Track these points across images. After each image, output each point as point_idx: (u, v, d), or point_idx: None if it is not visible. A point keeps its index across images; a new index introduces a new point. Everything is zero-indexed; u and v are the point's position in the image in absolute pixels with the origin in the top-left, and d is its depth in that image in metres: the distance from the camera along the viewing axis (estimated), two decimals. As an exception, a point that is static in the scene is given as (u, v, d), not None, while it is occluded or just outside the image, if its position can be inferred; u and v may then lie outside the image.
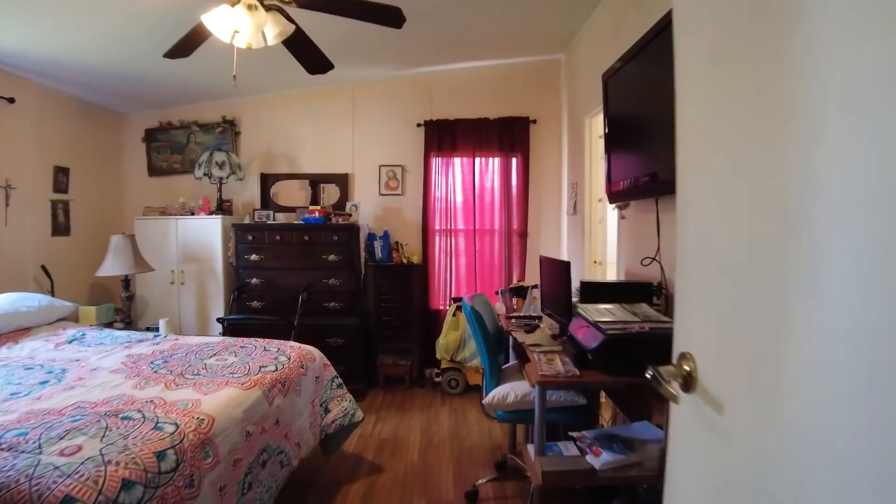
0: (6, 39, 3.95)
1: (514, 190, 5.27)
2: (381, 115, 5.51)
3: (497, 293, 4.94)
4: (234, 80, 3.19)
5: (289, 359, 3.19)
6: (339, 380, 3.55)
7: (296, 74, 4.98)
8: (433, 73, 5.32)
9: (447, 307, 5.17)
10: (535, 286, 4.79)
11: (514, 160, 5.28)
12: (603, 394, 3.43)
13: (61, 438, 2.03)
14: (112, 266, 4.55)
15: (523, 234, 5.26)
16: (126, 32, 3.87)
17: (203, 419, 2.26)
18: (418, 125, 5.37)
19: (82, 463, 1.84)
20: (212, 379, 2.77)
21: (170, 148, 5.80)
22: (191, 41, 3.09)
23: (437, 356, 4.92)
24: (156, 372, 2.91)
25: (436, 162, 5.35)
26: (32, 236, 4.75)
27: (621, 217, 3.56)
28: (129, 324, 4.75)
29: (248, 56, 4.32)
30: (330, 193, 5.52)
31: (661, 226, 2.78)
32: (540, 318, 3.69)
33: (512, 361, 3.60)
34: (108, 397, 2.50)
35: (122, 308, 4.77)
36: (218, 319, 4.88)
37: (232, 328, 4.84)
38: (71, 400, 2.48)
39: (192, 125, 5.70)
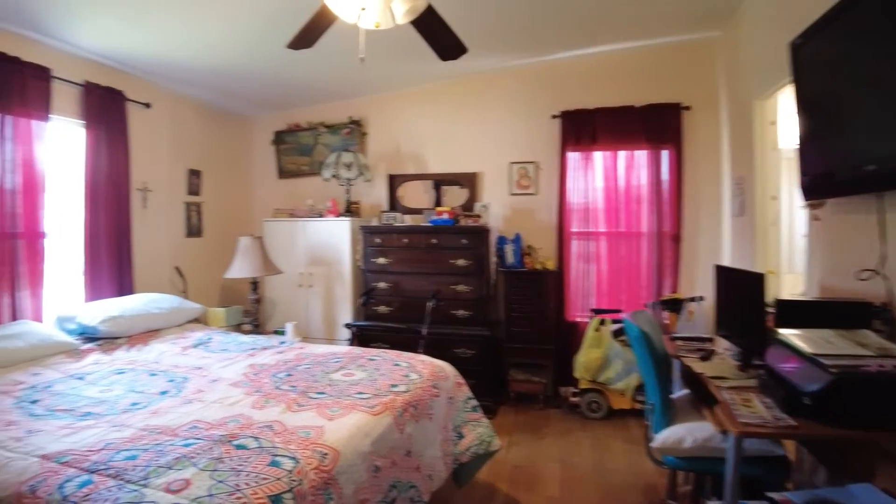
0: (142, 49, 4.02)
1: (665, 187, 4.62)
2: (511, 108, 5.08)
3: (645, 306, 4.36)
4: (361, 62, 2.91)
5: (420, 376, 2.84)
6: (475, 401, 3.15)
7: (421, 68, 4.77)
8: (567, 60, 4.79)
9: (585, 319, 4.64)
10: (692, 299, 4.17)
11: (664, 153, 4.63)
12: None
13: (170, 469, 1.80)
14: (240, 268, 4.50)
15: (676, 238, 4.60)
16: (249, 29, 3.76)
17: (326, 454, 1.94)
18: (553, 117, 4.87)
19: (187, 506, 1.57)
20: (337, 399, 2.47)
21: (297, 150, 5.74)
22: (314, 28, 2.84)
23: (576, 375, 4.39)
24: (277, 388, 2.67)
25: (573, 157, 4.82)
26: (168, 237, 4.83)
27: (814, 218, 2.86)
28: (257, 326, 4.69)
29: (373, 50, 4.08)
30: (453, 195, 5.18)
31: (887, 229, 2.12)
32: (710, 339, 3.10)
33: (679, 391, 3.03)
34: (225, 417, 2.27)
35: (250, 311, 4.71)
36: (346, 325, 4.69)
37: (360, 335, 4.65)
38: (187, 418, 2.28)
39: (319, 126, 5.60)
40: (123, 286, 4.21)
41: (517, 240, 4.76)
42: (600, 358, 4.26)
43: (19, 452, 2.00)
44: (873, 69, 2.01)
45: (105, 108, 4.12)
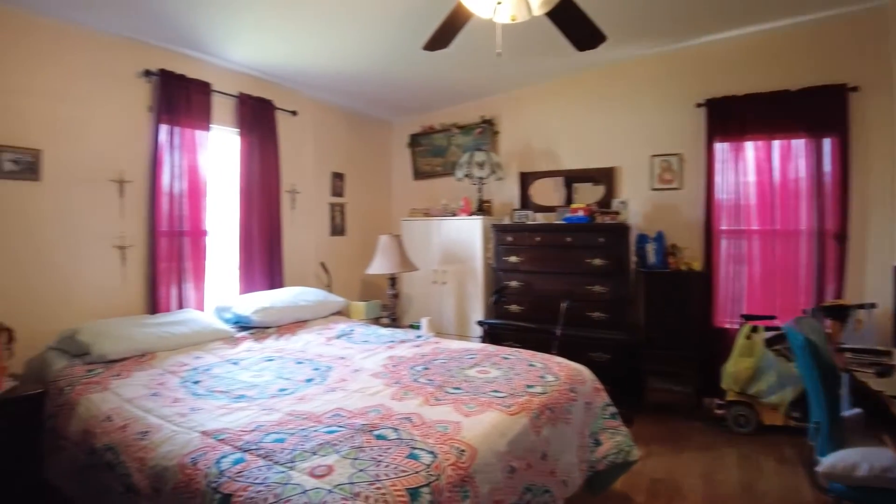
0: (289, 60, 4.32)
1: (828, 179, 4.11)
2: (651, 98, 4.79)
3: (804, 313, 3.91)
4: (498, 56, 2.88)
5: (556, 379, 2.75)
6: (613, 408, 3.00)
7: (553, 62, 4.66)
8: (712, 43, 4.43)
9: (735, 325, 4.26)
10: (861, 306, 3.69)
11: (825, 141, 4.11)
12: None
13: (314, 454, 1.87)
14: (380, 265, 4.67)
15: (841, 237, 4.07)
16: (383, 36, 3.89)
17: (463, 450, 1.92)
18: (697, 105, 4.52)
19: (329, 491, 1.63)
20: (473, 396, 2.46)
21: (432, 151, 5.88)
22: (450, 27, 2.84)
23: (723, 386, 4.04)
24: (415, 381, 2.72)
25: (721, 148, 4.45)
26: (314, 236, 5.13)
27: None
28: (394, 320, 4.83)
29: (504, 47, 4.07)
30: (585, 192, 5.00)
31: None
32: (888, 353, 2.72)
33: (849, 410, 2.68)
34: (366, 407, 2.34)
35: (388, 305, 4.87)
36: (478, 322, 4.70)
37: (491, 332, 4.63)
38: (330, 405, 2.38)
39: (452, 128, 5.68)
40: (274, 280, 4.52)
41: (659, 238, 4.48)
42: (751, 368, 3.88)
43: (183, 427, 2.19)
44: None
45: (256, 116, 4.44)
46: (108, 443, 2.24)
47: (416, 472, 1.75)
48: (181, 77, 3.84)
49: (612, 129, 4.96)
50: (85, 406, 2.53)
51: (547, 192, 5.20)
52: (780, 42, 4.27)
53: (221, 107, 4.19)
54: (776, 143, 4.28)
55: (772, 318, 4.06)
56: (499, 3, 2.39)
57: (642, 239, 4.54)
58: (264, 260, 4.46)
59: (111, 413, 2.41)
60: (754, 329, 3.99)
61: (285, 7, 3.39)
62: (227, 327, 3.68)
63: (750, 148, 4.39)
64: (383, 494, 1.62)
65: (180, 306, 3.81)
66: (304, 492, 1.64)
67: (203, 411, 2.36)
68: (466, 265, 4.99)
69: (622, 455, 2.82)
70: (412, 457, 1.84)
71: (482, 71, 4.67)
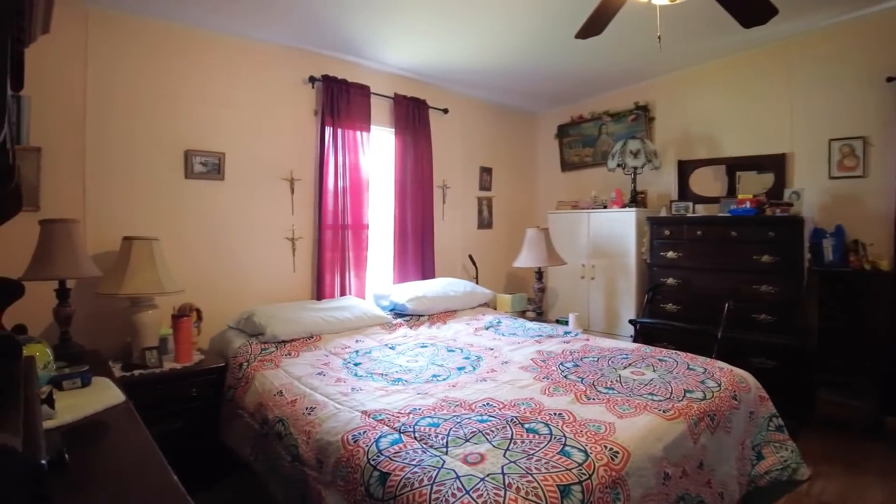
0: (438, 60, 4.44)
1: None
2: (828, 74, 4.25)
3: None
4: (658, 41, 2.73)
5: (719, 385, 2.57)
6: (780, 420, 2.74)
7: (712, 42, 4.32)
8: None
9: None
10: None
11: None
12: None
13: (467, 440, 1.92)
14: (527, 258, 4.66)
15: None
16: (529, 28, 3.85)
17: (617, 452, 1.86)
18: (889, 80, 3.92)
19: (482, 479, 1.66)
20: (627, 398, 2.37)
21: (581, 141, 5.72)
22: (603, 13, 2.75)
23: (914, 404, 3.53)
24: (565, 377, 2.68)
25: (920, 129, 3.86)
26: (462, 229, 5.27)
27: None
28: (540, 314, 4.81)
29: (663, 30, 3.85)
30: (750, 181, 4.57)
31: None
32: None
33: None
34: (516, 399, 2.36)
35: (534, 299, 4.85)
36: (630, 321, 4.51)
37: (644, 332, 4.44)
38: (482, 395, 2.42)
39: (603, 116, 5.48)
40: (425, 271, 4.71)
41: (838, 233, 4.00)
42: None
43: (346, 406, 2.35)
44: None
45: (410, 115, 4.63)
46: (280, 415, 2.46)
47: (568, 470, 1.72)
48: (342, 81, 4.11)
49: (783, 111, 4.48)
50: (259, 381, 2.81)
51: (706, 182, 4.84)
52: None
53: (378, 107, 4.42)
54: None
55: None
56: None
57: (818, 234, 4.07)
58: (417, 252, 4.65)
59: (282, 388, 2.65)
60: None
61: (435, 9, 3.50)
62: (385, 314, 3.90)
63: (957, 127, 3.75)
64: (535, 488, 1.62)
65: (343, 293, 4.10)
66: (458, 478, 1.68)
67: (363, 392, 2.52)
68: (617, 260, 4.80)
69: (787, 472, 2.57)
70: (563, 453, 1.82)
71: (636, 55, 4.46)
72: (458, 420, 2.12)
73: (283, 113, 3.92)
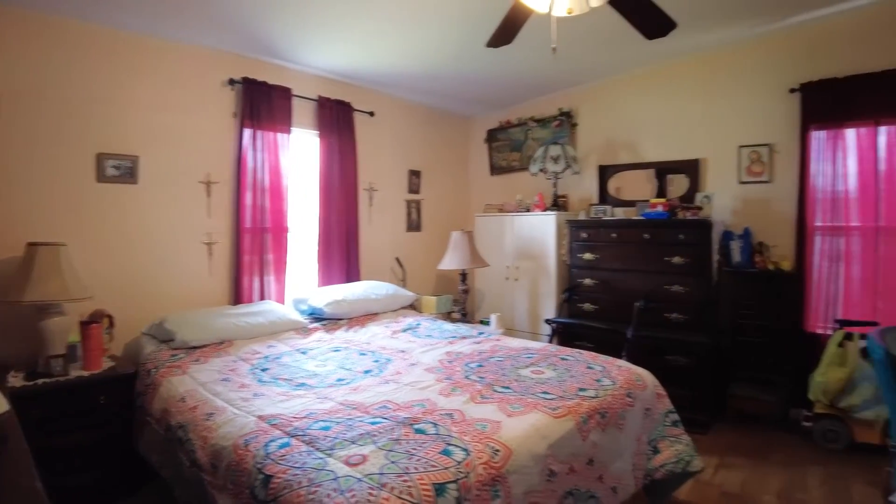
0: (365, 63, 4.44)
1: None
2: (740, 85, 4.47)
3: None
4: (553, 52, 2.80)
5: (613, 383, 2.66)
6: (676, 416, 2.86)
7: (633, 52, 4.46)
8: (814, 20, 4.03)
9: (830, 331, 3.90)
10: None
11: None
12: None
13: (353, 443, 1.94)
14: (451, 261, 4.71)
15: (961, 236, 3.64)
16: (455, 34, 3.88)
17: (498, 450, 1.91)
18: (791, 91, 4.17)
19: (359, 480, 1.69)
20: (521, 396, 2.43)
21: (509, 146, 5.83)
22: (510, 24, 2.81)
23: (811, 397, 3.71)
24: (467, 377, 2.73)
25: (817, 137, 4.05)
26: (390, 232, 5.27)
27: None
28: (465, 315, 4.87)
29: (579, 39, 3.97)
30: (679, 184, 4.74)
31: None
32: None
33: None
34: (413, 400, 2.39)
35: (459, 300, 4.92)
36: (547, 320, 4.63)
37: (562, 331, 4.55)
38: (381, 397, 2.45)
39: (529, 121, 5.61)
40: (350, 274, 4.68)
41: (746, 235, 4.20)
42: (843, 380, 3.54)
43: (244, 411, 2.34)
44: None
45: (335, 118, 4.61)
46: (181, 421, 2.43)
47: (446, 468, 1.76)
48: (263, 84, 4.06)
49: (698, 119, 4.68)
50: (166, 387, 2.76)
51: (638, 185, 4.95)
52: (890, 15, 3.81)
53: (301, 110, 4.38)
54: (883, 130, 3.86)
55: (872, 324, 3.67)
56: (554, -4, 2.35)
57: (727, 236, 4.27)
58: (342, 255, 4.63)
59: (185, 395, 2.62)
60: (848, 336, 3.64)
61: (355, 12, 3.49)
62: (301, 318, 3.86)
63: (851, 136, 3.98)
64: (409, 487, 1.65)
65: (262, 298, 4.05)
66: (336, 478, 1.70)
67: (265, 397, 2.51)
68: (540, 262, 4.91)
69: (682, 465, 2.68)
70: (445, 453, 1.86)
71: (560, 63, 4.55)
72: (351, 423, 2.13)
73: (201, 115, 3.85)
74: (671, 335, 4.09)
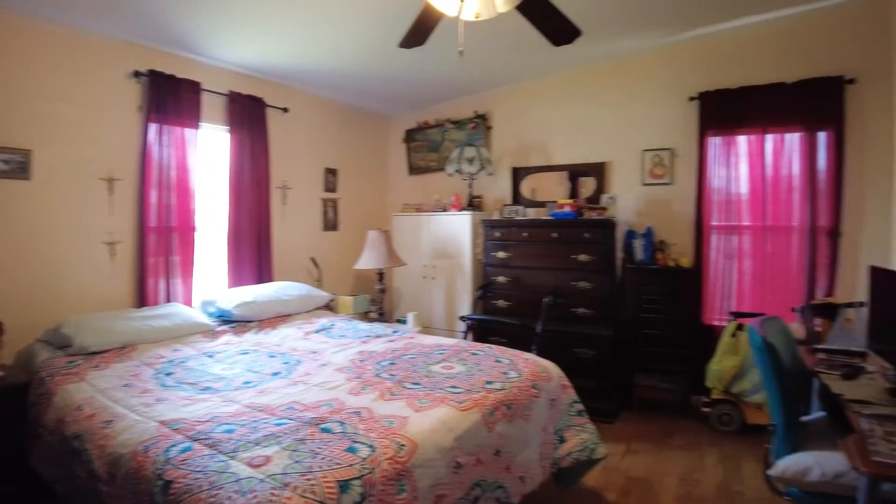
0: (278, 58, 4.37)
1: (822, 174, 4.01)
2: (644, 92, 4.74)
3: (794, 310, 3.84)
4: (460, 55, 2.87)
5: (519, 376, 2.76)
6: (581, 405, 3.01)
7: (545, 58, 4.63)
8: (710, 35, 4.35)
9: (724, 322, 4.20)
10: (850, 304, 3.61)
11: (821, 135, 4.02)
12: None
13: (257, 444, 1.93)
14: (367, 260, 4.71)
15: (834, 234, 3.99)
16: (370, 33, 3.89)
17: (403, 445, 1.95)
18: (691, 99, 4.47)
19: (261, 480, 1.68)
20: (429, 391, 2.48)
21: (427, 146, 5.89)
22: (422, 26, 2.85)
23: (707, 384, 4.00)
24: (377, 375, 2.75)
25: (713, 142, 4.37)
26: (305, 231, 5.19)
27: None
28: (382, 315, 4.88)
29: (493, 43, 4.08)
30: (589, 186, 4.96)
31: None
32: (863, 354, 2.66)
33: (816, 413, 2.64)
34: (320, 400, 2.39)
35: (376, 300, 4.92)
36: (461, 317, 4.72)
37: (478, 327, 4.66)
38: (287, 398, 2.43)
39: (446, 123, 5.70)
40: (262, 275, 4.58)
41: (648, 234, 4.45)
42: (736, 367, 3.84)
43: (145, 417, 2.26)
44: None
45: (246, 114, 4.50)
46: (77, 431, 2.32)
47: (351, 465, 1.78)
48: (170, 77, 3.91)
49: (605, 124, 4.92)
50: (61, 396, 2.62)
51: (552, 187, 5.11)
52: (776, 34, 4.18)
53: (211, 105, 4.25)
54: (770, 137, 4.20)
55: (761, 315, 3.98)
56: (462, 0, 2.40)
57: (630, 235, 4.51)
58: (253, 255, 4.53)
59: (83, 403, 2.50)
60: (740, 327, 3.93)
61: (269, 7, 3.44)
62: (209, 321, 3.75)
63: (743, 142, 4.31)
64: (312, 485, 1.66)
65: (168, 300, 3.90)
66: (238, 480, 1.69)
67: (167, 402, 2.43)
68: (456, 260, 5.01)
69: (587, 452, 2.82)
70: (350, 450, 1.88)
71: (473, 67, 4.66)
72: (256, 425, 2.11)
73: (103, 108, 3.66)
74: (579, 329, 4.28)
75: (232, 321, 3.85)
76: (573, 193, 4.96)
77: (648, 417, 4.26)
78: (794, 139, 4.13)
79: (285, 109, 4.88)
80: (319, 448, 1.89)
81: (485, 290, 4.72)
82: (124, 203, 3.77)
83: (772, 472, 2.18)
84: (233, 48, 4.10)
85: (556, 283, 4.41)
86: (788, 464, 2.12)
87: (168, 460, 1.86)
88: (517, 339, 4.23)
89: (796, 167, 4.12)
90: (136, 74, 3.78)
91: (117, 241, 3.72)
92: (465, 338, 4.48)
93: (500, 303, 4.72)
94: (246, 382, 2.70)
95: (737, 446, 3.74)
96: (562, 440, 2.82)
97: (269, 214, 4.68)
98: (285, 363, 3.02)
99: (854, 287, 3.93)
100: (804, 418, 2.53)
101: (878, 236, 3.89)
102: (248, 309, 3.86)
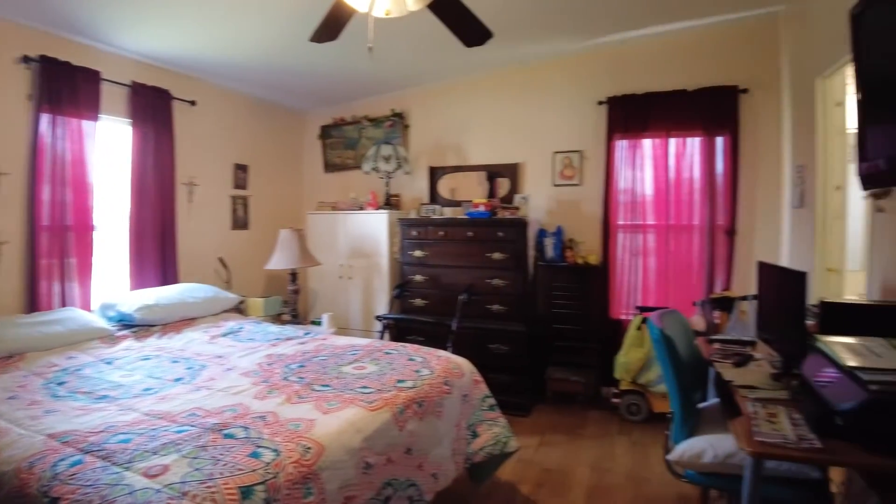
0: (186, 49, 4.17)
1: (720, 176, 4.30)
2: (556, 96, 4.89)
3: (695, 304, 4.08)
4: (369, 52, 2.85)
5: (432, 373, 2.77)
6: (493, 400, 3.06)
7: (463, 60, 4.65)
8: (618, 43, 4.54)
9: (631, 316, 4.40)
10: (744, 298, 3.86)
11: (718, 140, 4.30)
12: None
13: (155, 453, 1.83)
14: (279, 260, 4.58)
15: (731, 232, 4.27)
16: (284, 26, 3.78)
17: (309, 447, 1.91)
18: (599, 103, 4.65)
19: (158, 491, 1.60)
20: (339, 393, 2.44)
21: (343, 144, 5.81)
22: (334, 20, 2.81)
23: (616, 375, 4.19)
24: (286, 379, 2.68)
25: (620, 145, 4.57)
26: (214, 230, 4.98)
27: (878, 210, 2.55)
28: (296, 317, 4.76)
29: (411, 42, 4.08)
30: (505, 186, 5.05)
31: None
32: (753, 343, 2.85)
33: (712, 400, 2.80)
34: (224, 406, 2.30)
35: (289, 301, 4.79)
36: (377, 317, 4.69)
37: (395, 327, 4.65)
38: (190, 405, 2.32)
39: (363, 120, 5.63)
40: (167, 276, 4.36)
41: (558, 233, 4.60)
42: (642, 358, 4.03)
43: (31, 430, 2.09)
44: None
45: (151, 106, 4.28)
46: (-50, 450, 2.11)
47: (253, 471, 1.73)
48: (66, 64, 3.65)
49: (519, 126, 5.04)
50: (-69, 413, 2.38)
51: (470, 187, 5.15)
52: (679, 44, 4.43)
53: (112, 96, 4.00)
54: (673, 141, 4.43)
55: (665, 309, 4.20)
56: (373, -3, 2.38)
57: (542, 233, 4.65)
58: (157, 256, 4.30)
59: (-42, 419, 2.28)
60: (646, 320, 4.12)
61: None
62: (108, 326, 3.54)
63: (648, 145, 4.53)
64: (213, 493, 1.60)
65: (64, 305, 3.63)
66: (132, 492, 1.60)
67: (58, 413, 2.27)
68: (373, 260, 4.97)
69: (499, 446, 2.87)
70: (254, 455, 1.82)
71: (388, 65, 4.64)
72: (154, 433, 2.01)
73: (-14, 96, 3.37)
74: (493, 325, 4.37)
75: (133, 325, 3.63)
76: (491, 193, 5.04)
77: (561, 410, 4.39)
78: (695, 143, 4.38)
79: (193, 102, 4.66)
80: (221, 454, 1.82)
81: (402, 289, 4.71)
82: (12, 200, 3.47)
83: (670, 456, 2.29)
84: (137, 36, 3.87)
85: (471, 280, 4.46)
86: (685, 448, 2.24)
87: (55, 476, 1.73)
88: (434, 338, 4.27)
89: (697, 170, 4.37)
90: (26, 60, 3.49)
91: (4, 241, 3.42)
92: (381, 338, 4.45)
93: (418, 301, 4.73)
94: (146, 389, 2.56)
95: (645, 434, 3.93)
96: (475, 435, 2.85)
97: (174, 212, 4.46)
98: (189, 368, 2.89)
99: (748, 281, 4.20)
100: (701, 405, 2.67)
101: (768, 234, 4.19)
102: (151, 312, 3.66)
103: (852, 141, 3.16)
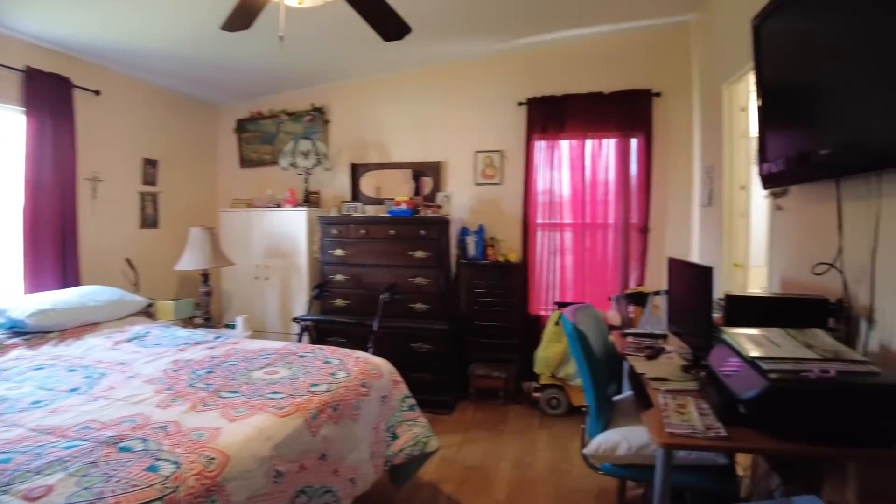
0: (90, 34, 3.88)
1: (634, 177, 4.45)
2: (477, 96, 4.91)
3: (610, 299, 4.18)
4: (280, 41, 2.74)
5: (348, 375, 2.68)
6: (413, 400, 3.00)
7: (385, 56, 4.62)
8: (538, 45, 4.60)
9: (550, 312, 4.47)
10: (657, 293, 3.99)
11: (633, 141, 4.46)
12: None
13: (38, 473, 1.66)
14: (189, 260, 4.33)
15: (644, 230, 4.43)
16: (195, 14, 3.58)
17: (213, 458, 1.79)
18: (519, 104, 4.70)
19: (37, 517, 1.43)
20: (248, 399, 2.32)
21: (260, 138, 5.58)
22: (246, 8, 2.67)
23: (536, 370, 4.25)
24: (191, 385, 2.52)
25: (539, 146, 4.65)
26: (120, 229, 4.64)
27: (777, 208, 2.69)
28: (209, 320, 4.52)
29: (329, 34, 3.97)
30: (428, 184, 5.02)
31: (843, 218, 1.95)
32: (665, 336, 2.93)
33: (627, 392, 2.86)
34: (122, 417, 2.13)
35: (201, 303, 4.54)
36: (294, 319, 4.53)
37: (314, 328, 4.51)
38: (83, 417, 2.14)
39: (282, 114, 5.43)
40: (68, 278, 4.03)
41: (480, 231, 4.62)
42: (561, 353, 4.10)
43: None
44: (829, 48, 1.87)
45: (49, 94, 3.93)
46: None
47: (150, 486, 1.60)
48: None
49: (441, 125, 5.02)
50: None
51: (396, 185, 5.09)
52: (596, 47, 4.55)
53: (4, 82, 3.67)
54: (589, 142, 4.54)
55: (579, 304, 4.29)
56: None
57: (464, 232, 4.66)
58: (55, 256, 3.96)
59: None
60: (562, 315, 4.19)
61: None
62: (-3, 333, 3.22)
63: (565, 146, 4.63)
64: (101, 515, 1.45)
65: (-57, 311, 3.29)
66: (7, 520, 1.44)
67: (-76, 434, 2.02)
68: (291, 259, 4.80)
69: (419, 447, 2.82)
70: (151, 469, 1.69)
71: (309, 57, 4.51)
72: (40, 451, 1.82)
73: None
74: (416, 324, 4.34)
75: (26, 332, 3.31)
76: (417, 192, 4.99)
77: (484, 406, 4.41)
78: (610, 144, 4.53)
79: (97, 92, 4.33)
80: (115, 470, 1.67)
81: (321, 289, 4.58)
82: None
83: (586, 450, 2.32)
84: (32, 16, 3.55)
85: (394, 279, 4.39)
86: (600, 441, 2.27)
87: None
88: (355, 338, 4.20)
89: (612, 170, 4.51)
90: None
91: None
92: (299, 340, 4.31)
93: (339, 302, 4.61)
94: (35, 402, 2.32)
95: (565, 427, 4.00)
96: (394, 437, 2.79)
97: (75, 210, 4.12)
98: (87, 377, 2.67)
99: (661, 276, 4.35)
100: (616, 398, 2.72)
101: (679, 232, 4.36)
102: (46, 318, 3.33)
103: (755, 144, 3.35)
